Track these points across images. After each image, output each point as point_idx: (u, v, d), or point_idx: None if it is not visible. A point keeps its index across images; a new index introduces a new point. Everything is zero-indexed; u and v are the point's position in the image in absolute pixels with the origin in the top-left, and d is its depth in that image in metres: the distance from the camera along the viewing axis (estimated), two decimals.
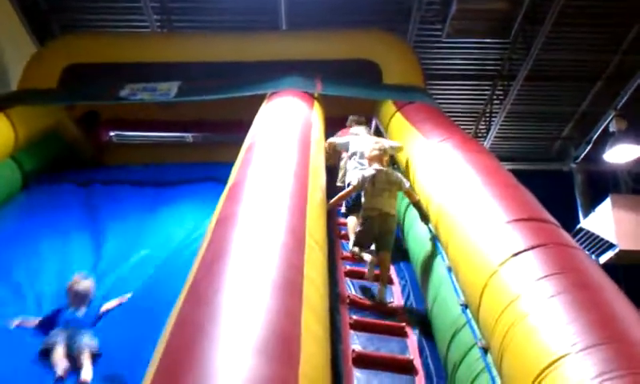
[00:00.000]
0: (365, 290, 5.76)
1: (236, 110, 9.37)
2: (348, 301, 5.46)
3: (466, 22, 9.25)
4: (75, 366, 4.29)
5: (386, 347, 4.85)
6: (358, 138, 7.37)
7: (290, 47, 9.50)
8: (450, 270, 4.99)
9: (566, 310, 3.11)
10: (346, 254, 6.41)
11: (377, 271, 5.83)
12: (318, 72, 8.78)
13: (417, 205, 5.94)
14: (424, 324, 5.25)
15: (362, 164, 6.75)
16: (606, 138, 11.38)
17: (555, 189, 13.02)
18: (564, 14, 9.53)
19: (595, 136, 12.32)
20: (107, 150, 10.95)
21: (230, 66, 9.30)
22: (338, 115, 8.65)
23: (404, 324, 5.24)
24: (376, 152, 6.17)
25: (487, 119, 12.31)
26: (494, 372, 3.75)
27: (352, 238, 6.24)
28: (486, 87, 11.78)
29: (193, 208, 7.05)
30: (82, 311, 4.80)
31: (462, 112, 12.42)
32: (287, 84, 8.02)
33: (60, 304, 4.92)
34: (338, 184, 7.54)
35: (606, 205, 10.91)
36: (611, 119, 11.13)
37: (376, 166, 6.03)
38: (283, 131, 5.84)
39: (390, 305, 5.60)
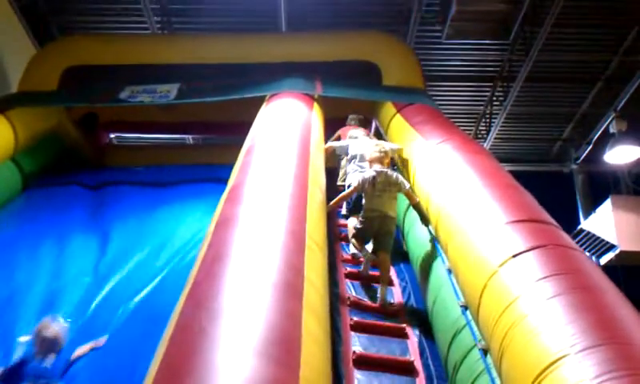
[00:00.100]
0: (365, 292, 5.76)
1: (236, 111, 9.38)
2: (348, 302, 5.47)
3: (466, 23, 9.25)
4: None
5: (386, 348, 4.86)
6: (356, 142, 7.38)
7: (289, 49, 9.51)
8: (449, 271, 4.99)
9: (566, 311, 3.11)
10: (347, 256, 6.41)
11: (375, 272, 5.85)
12: (318, 73, 8.80)
13: (417, 207, 5.94)
14: (424, 325, 5.25)
15: (361, 167, 6.76)
16: (607, 139, 11.36)
17: (556, 190, 13.04)
18: (564, 15, 9.53)
19: (595, 137, 12.30)
20: (107, 152, 10.96)
21: (230, 67, 9.31)
22: (337, 117, 8.66)
23: (404, 325, 5.24)
24: (377, 154, 6.19)
25: (487, 120, 12.31)
26: (494, 373, 3.76)
27: (351, 233, 6.26)
28: (486, 88, 11.78)
29: (196, 208, 7.03)
30: (50, 360, 4.27)
31: (461, 113, 12.41)
32: (287, 85, 8.03)
33: (26, 352, 4.40)
34: (339, 183, 7.54)
35: (607, 206, 10.91)
36: (611, 120, 11.11)
37: (377, 167, 6.05)
38: (283, 133, 5.85)
39: (390, 306, 5.61)
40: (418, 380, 4.57)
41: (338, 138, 8.21)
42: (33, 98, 8.65)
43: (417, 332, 5.15)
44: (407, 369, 4.64)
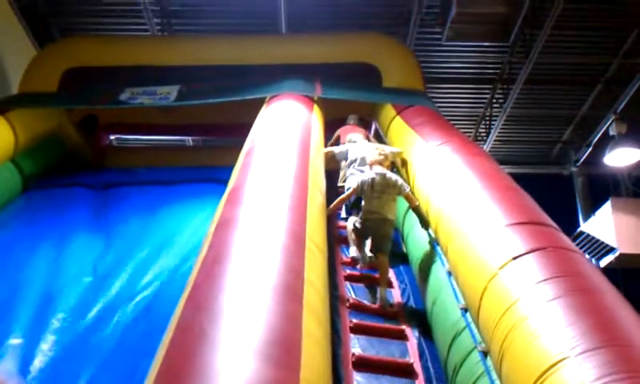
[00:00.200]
0: (365, 294, 5.76)
1: (236, 113, 9.38)
2: (348, 304, 5.46)
3: (466, 25, 9.25)
4: None
5: (386, 350, 4.86)
6: (356, 146, 7.38)
7: (289, 51, 9.51)
8: (449, 273, 4.99)
9: (566, 313, 3.11)
10: (346, 259, 6.41)
11: (374, 274, 5.85)
12: (318, 75, 8.80)
13: (416, 209, 5.94)
14: (424, 327, 5.25)
15: (361, 170, 6.76)
16: (606, 142, 11.36)
17: (555, 192, 13.05)
18: (563, 17, 9.54)
19: (595, 139, 12.30)
20: (107, 154, 10.95)
21: (230, 69, 9.31)
22: (337, 118, 8.66)
23: (404, 327, 5.24)
24: (377, 156, 6.22)
25: (487, 123, 12.30)
26: (494, 375, 3.75)
27: (350, 232, 6.27)
28: (486, 91, 11.78)
29: (197, 209, 7.01)
30: None
31: (461, 115, 12.41)
32: (287, 87, 8.04)
33: None
34: (340, 184, 7.54)
35: (606, 208, 10.91)
36: (611, 122, 11.11)
37: (376, 169, 6.05)
38: (283, 135, 5.85)
39: (390, 307, 5.60)
40: (417, 382, 4.57)
41: (337, 138, 8.23)
42: (33, 99, 8.64)
43: (416, 334, 5.15)
44: (407, 371, 4.63)
